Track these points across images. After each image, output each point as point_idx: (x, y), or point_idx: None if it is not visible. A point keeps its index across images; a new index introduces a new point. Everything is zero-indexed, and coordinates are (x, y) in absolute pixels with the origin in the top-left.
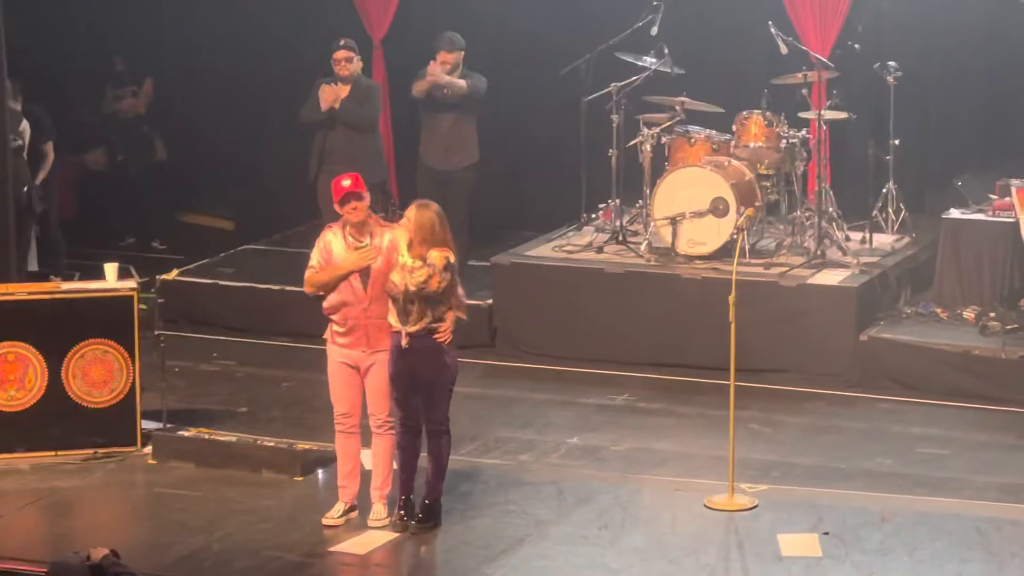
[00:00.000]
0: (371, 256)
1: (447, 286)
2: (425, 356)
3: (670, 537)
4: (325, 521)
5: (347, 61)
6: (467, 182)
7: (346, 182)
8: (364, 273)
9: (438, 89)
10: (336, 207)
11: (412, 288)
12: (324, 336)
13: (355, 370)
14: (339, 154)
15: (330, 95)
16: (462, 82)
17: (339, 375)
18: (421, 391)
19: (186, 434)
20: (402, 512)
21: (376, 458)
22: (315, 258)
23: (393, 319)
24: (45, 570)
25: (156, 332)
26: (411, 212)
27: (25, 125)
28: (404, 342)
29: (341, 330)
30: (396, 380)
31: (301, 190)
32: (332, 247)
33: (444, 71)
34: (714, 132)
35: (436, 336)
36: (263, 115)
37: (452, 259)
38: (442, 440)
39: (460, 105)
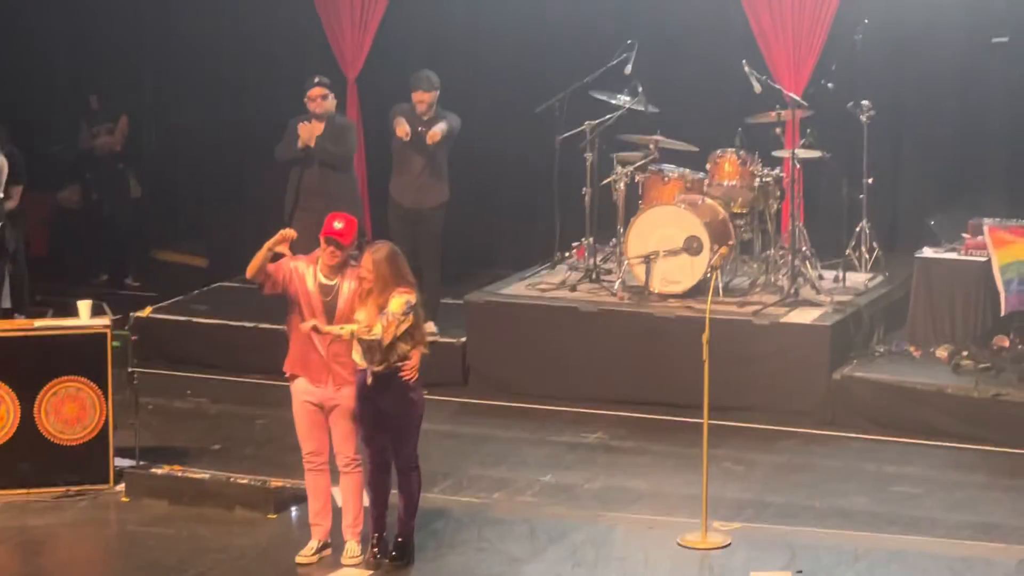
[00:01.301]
0: (286, 237)
1: (409, 326)
2: (391, 394)
3: (644, 575)
4: (298, 559)
5: (321, 98)
6: (438, 221)
7: (338, 224)
8: (329, 312)
9: (414, 130)
10: (321, 239)
11: (366, 339)
12: (287, 373)
13: (319, 408)
14: (314, 192)
15: (306, 133)
16: (438, 132)
17: (304, 415)
18: (389, 428)
19: (159, 471)
20: (375, 550)
21: (346, 496)
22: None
23: (358, 357)
24: None
25: (129, 369)
26: (367, 263)
27: (1, 162)
28: (369, 380)
29: (301, 373)
30: (363, 418)
31: (276, 228)
32: (304, 276)
33: (420, 111)
34: (688, 171)
35: (402, 374)
36: (238, 153)
37: (413, 300)
38: (412, 477)
39: (433, 146)
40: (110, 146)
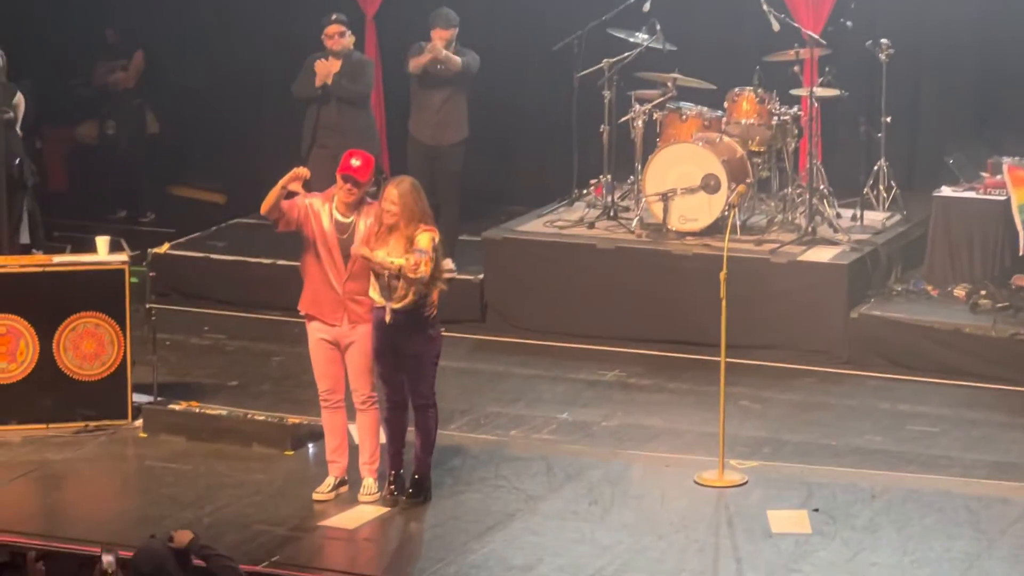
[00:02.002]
0: (298, 175)
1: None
2: (409, 331)
3: (660, 513)
4: (315, 496)
5: (339, 36)
6: (457, 158)
7: (355, 161)
8: (344, 250)
9: (432, 65)
10: (337, 176)
11: (412, 276)
12: (302, 312)
13: (335, 346)
14: (331, 129)
15: (323, 70)
16: (457, 59)
17: (320, 352)
18: (406, 366)
19: (177, 407)
20: (392, 487)
21: (362, 434)
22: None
23: (376, 295)
24: (98, 551)
25: (147, 305)
26: (392, 195)
27: (19, 98)
28: (388, 318)
29: (315, 312)
30: (380, 356)
31: (293, 165)
32: (320, 214)
33: (434, 48)
34: (706, 109)
35: (420, 310)
36: (256, 89)
37: (437, 238)
38: (429, 414)
39: (452, 81)
40: (124, 82)
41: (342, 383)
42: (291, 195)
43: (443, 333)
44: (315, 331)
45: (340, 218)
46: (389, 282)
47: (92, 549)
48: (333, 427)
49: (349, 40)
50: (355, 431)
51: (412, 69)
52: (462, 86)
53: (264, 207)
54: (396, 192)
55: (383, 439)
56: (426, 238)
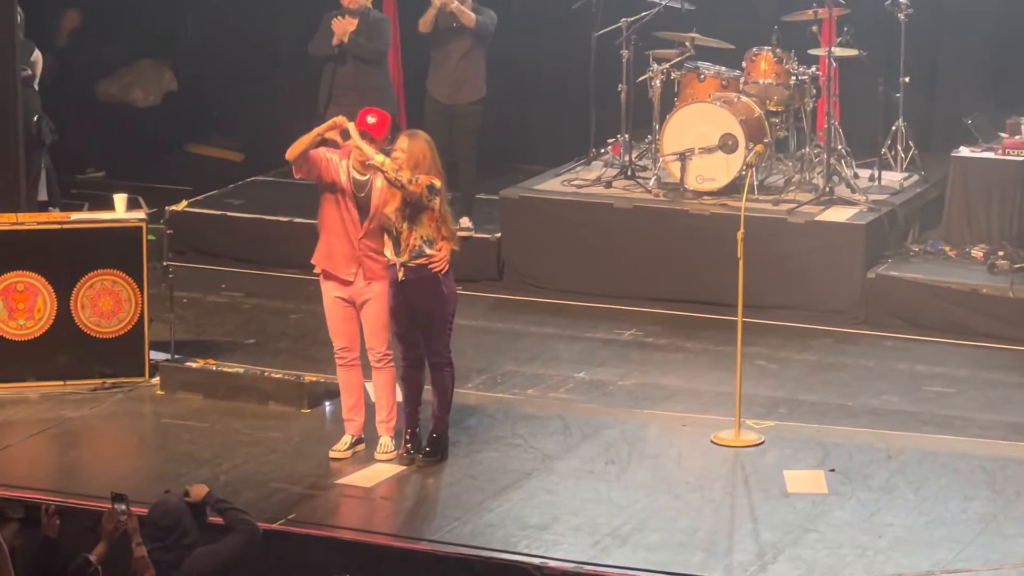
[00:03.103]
0: (337, 124)
1: (435, 211)
2: (422, 288)
3: (676, 472)
4: (332, 454)
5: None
6: (474, 116)
7: (371, 119)
8: (362, 208)
9: (446, 20)
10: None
11: (391, 176)
12: (316, 268)
13: (350, 304)
14: (348, 87)
15: (340, 28)
16: (471, 14)
17: (335, 310)
18: (421, 324)
19: (194, 365)
20: (409, 445)
21: (378, 392)
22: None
23: (389, 252)
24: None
25: (164, 263)
26: (402, 143)
27: (37, 55)
28: (400, 274)
29: (329, 268)
30: (395, 314)
31: (310, 122)
32: (338, 169)
33: (449, 7)
34: (724, 68)
35: (432, 266)
36: (273, 47)
37: (438, 184)
38: (444, 372)
39: (469, 40)
40: (53, 40)
41: (357, 341)
42: (323, 143)
43: (460, 292)
44: (330, 289)
45: (357, 175)
46: (397, 236)
47: (108, 506)
48: (349, 385)
49: None
50: (371, 389)
51: (422, 28)
52: (479, 45)
53: (292, 151)
54: (407, 141)
55: (399, 397)
56: (424, 177)
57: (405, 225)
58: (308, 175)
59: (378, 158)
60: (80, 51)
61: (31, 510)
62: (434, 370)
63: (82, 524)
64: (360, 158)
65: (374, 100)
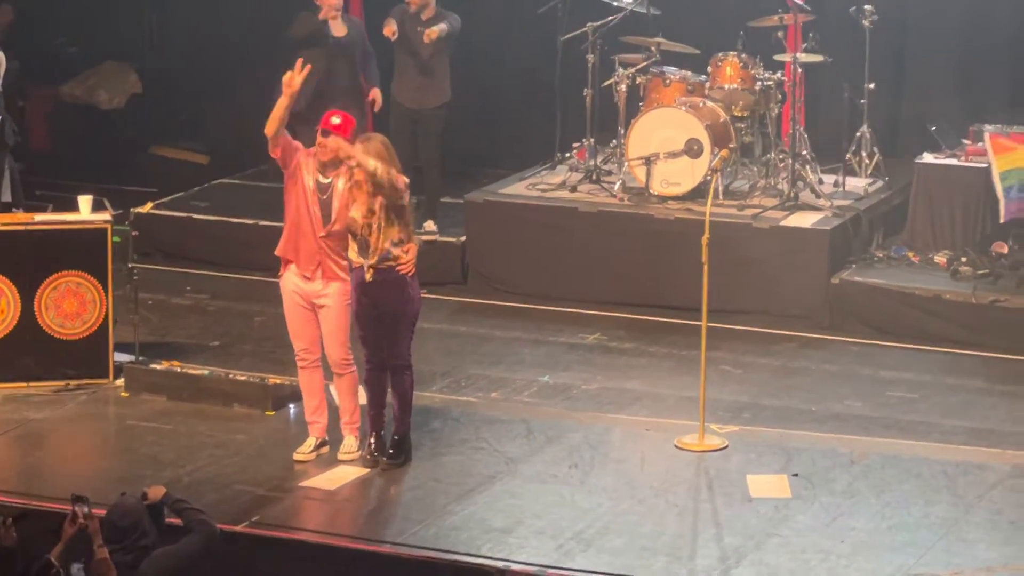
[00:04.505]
0: (289, 81)
1: (402, 222)
2: (389, 289)
3: (640, 477)
4: (296, 456)
5: None
6: (439, 120)
7: (335, 119)
8: (324, 210)
9: (412, 25)
10: (317, 132)
11: (384, 178)
12: (279, 256)
13: (309, 307)
14: (340, 86)
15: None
16: (437, 29)
17: (295, 312)
18: (385, 326)
19: (158, 367)
20: (372, 448)
21: (341, 396)
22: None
23: (354, 255)
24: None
25: (129, 265)
26: (357, 149)
27: (0, 58)
28: (368, 275)
29: (293, 259)
30: (360, 316)
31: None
32: (305, 167)
33: (411, 11)
34: (689, 73)
35: (399, 268)
36: (238, 50)
37: (406, 180)
38: (405, 376)
39: (434, 44)
40: None
41: (317, 343)
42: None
43: (424, 295)
44: (289, 288)
45: (321, 179)
46: (363, 238)
47: (70, 508)
48: (311, 387)
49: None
50: (334, 392)
51: (387, 35)
52: (444, 50)
53: (269, 126)
54: (362, 146)
55: (363, 400)
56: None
57: (375, 228)
58: (282, 158)
59: (371, 163)
60: (44, 53)
61: None
62: (395, 373)
63: (45, 526)
64: (351, 163)
65: (345, 103)
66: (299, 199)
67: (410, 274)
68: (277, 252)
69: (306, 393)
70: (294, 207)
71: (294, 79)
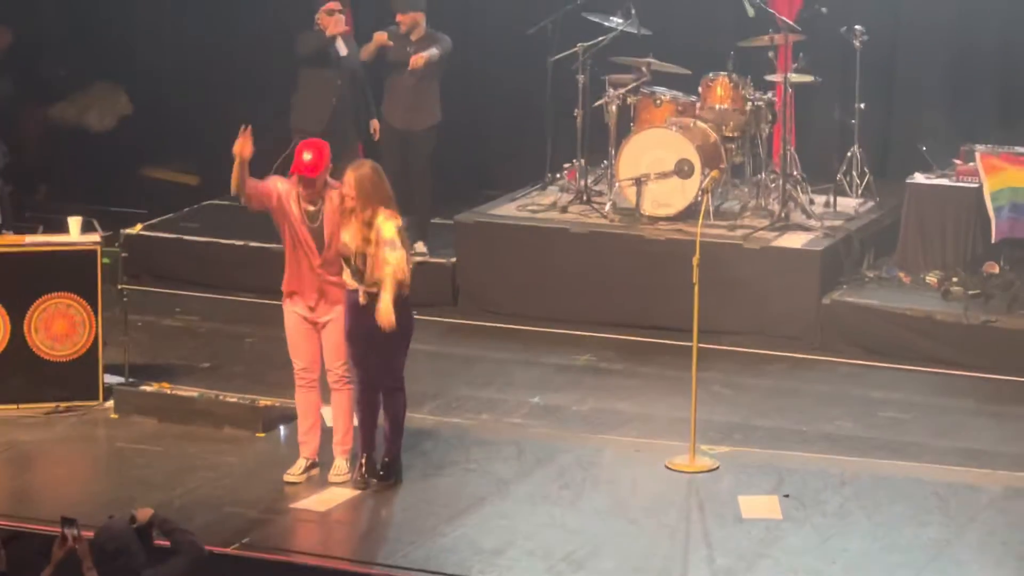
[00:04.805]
0: (242, 146)
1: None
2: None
3: (631, 498)
4: (286, 478)
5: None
6: (429, 142)
7: (307, 156)
8: (317, 238)
9: (399, 54)
10: (292, 174)
11: (400, 277)
12: (285, 291)
13: (312, 325)
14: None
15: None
16: (427, 54)
17: (297, 330)
18: (377, 347)
19: (148, 389)
20: (363, 469)
21: (336, 413)
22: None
23: (348, 278)
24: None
25: (119, 286)
26: (348, 177)
27: None
28: (362, 299)
29: (297, 291)
30: (352, 338)
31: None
32: (289, 199)
33: (401, 31)
34: (680, 94)
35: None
36: (228, 71)
37: (400, 223)
38: (397, 397)
39: (423, 66)
40: None
41: (318, 362)
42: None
43: (415, 316)
44: (293, 307)
45: (308, 207)
46: (356, 266)
47: (60, 531)
48: (307, 407)
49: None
50: (327, 414)
51: (363, 57)
52: (433, 71)
53: (233, 186)
54: (353, 177)
55: (356, 421)
56: (388, 228)
57: (369, 256)
58: (259, 204)
59: (388, 270)
60: (35, 74)
61: None
62: (387, 394)
63: (34, 549)
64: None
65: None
66: (291, 230)
67: (403, 298)
68: (283, 288)
69: (301, 413)
70: (289, 240)
71: (244, 147)
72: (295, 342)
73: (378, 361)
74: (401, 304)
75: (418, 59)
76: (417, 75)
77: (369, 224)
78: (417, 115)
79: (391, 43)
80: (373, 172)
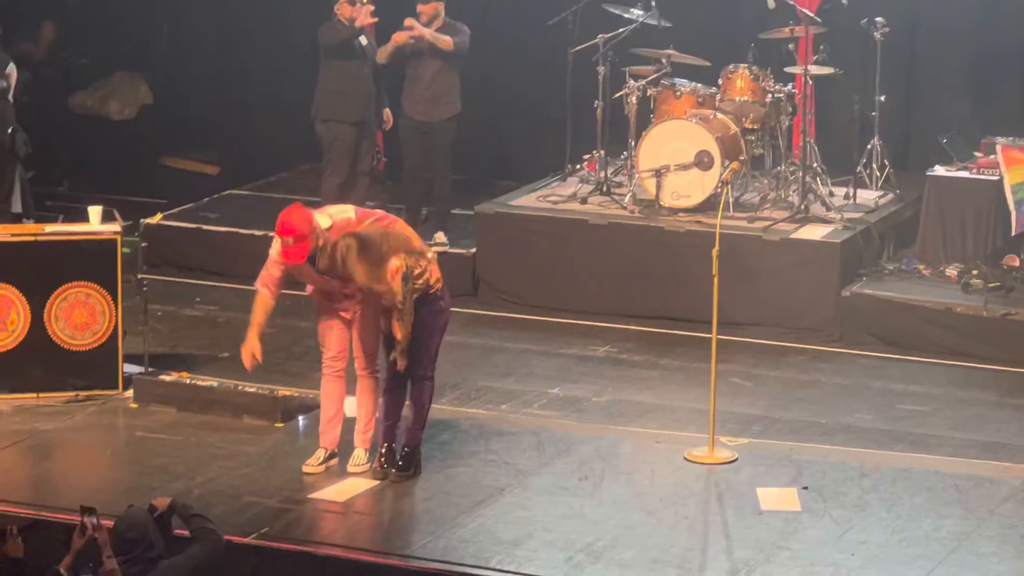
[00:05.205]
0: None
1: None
2: (417, 303)
3: (650, 489)
4: (305, 468)
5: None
6: (449, 133)
7: (288, 240)
8: (341, 278)
9: (420, 41)
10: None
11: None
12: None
13: (344, 314)
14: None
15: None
16: (447, 39)
17: (330, 318)
18: (413, 337)
19: (167, 378)
20: (383, 460)
21: (360, 401)
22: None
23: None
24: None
25: (139, 276)
26: (344, 270)
27: (11, 67)
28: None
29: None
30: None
31: (286, 136)
32: (304, 268)
33: (423, 22)
34: (700, 85)
35: (429, 290)
36: (248, 60)
37: (401, 263)
38: (425, 387)
39: (443, 57)
40: (30, 54)
41: (346, 351)
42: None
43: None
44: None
45: (323, 262)
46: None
47: (79, 519)
48: (332, 396)
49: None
50: (350, 405)
51: (379, 59)
52: (454, 63)
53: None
54: (349, 265)
55: (379, 413)
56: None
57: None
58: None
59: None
60: (56, 64)
61: None
62: (415, 383)
63: (50, 540)
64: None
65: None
66: (314, 282)
67: (439, 288)
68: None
69: (325, 402)
70: (313, 287)
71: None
72: (325, 330)
73: (412, 347)
74: (438, 294)
75: (411, 22)
76: (438, 65)
77: (380, 280)
78: (437, 106)
79: (410, 40)
80: (360, 245)
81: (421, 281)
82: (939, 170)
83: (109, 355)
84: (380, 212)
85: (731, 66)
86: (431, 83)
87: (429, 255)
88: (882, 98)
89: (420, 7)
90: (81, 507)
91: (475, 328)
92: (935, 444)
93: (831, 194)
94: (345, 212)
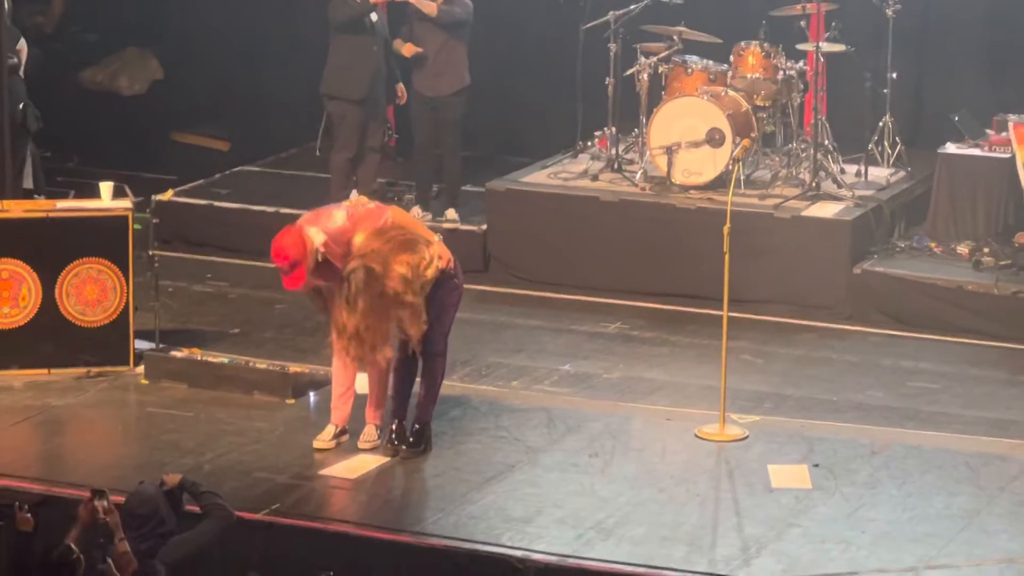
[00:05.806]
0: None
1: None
2: (436, 288)
3: (660, 466)
4: (316, 444)
5: None
6: (457, 107)
7: (283, 272)
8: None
9: (417, 14)
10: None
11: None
12: None
13: None
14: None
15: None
16: (431, 4)
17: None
18: (427, 309)
19: (178, 354)
20: (393, 436)
21: (372, 378)
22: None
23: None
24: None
25: (150, 252)
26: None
27: (22, 43)
28: None
29: None
30: None
31: (297, 111)
32: (330, 291)
33: None
34: (711, 62)
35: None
36: (261, 35)
37: (409, 267)
38: (437, 363)
39: (445, 30)
40: (40, 27)
41: None
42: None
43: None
44: None
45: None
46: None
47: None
48: (343, 373)
49: None
50: (362, 382)
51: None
52: (455, 35)
53: None
54: (358, 300)
55: (390, 388)
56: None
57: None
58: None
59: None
60: (65, 39)
61: (3, 508)
62: (427, 360)
63: (58, 516)
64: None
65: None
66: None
67: (451, 265)
68: None
69: (336, 379)
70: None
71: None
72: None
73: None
74: (451, 271)
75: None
76: (441, 38)
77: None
78: (443, 80)
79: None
80: (366, 279)
81: (430, 273)
82: (951, 148)
83: (120, 331)
84: (372, 206)
85: (743, 43)
86: (435, 58)
87: (433, 240)
88: (894, 75)
89: None
90: (91, 490)
91: (486, 305)
92: (945, 422)
93: (842, 171)
94: (336, 220)
